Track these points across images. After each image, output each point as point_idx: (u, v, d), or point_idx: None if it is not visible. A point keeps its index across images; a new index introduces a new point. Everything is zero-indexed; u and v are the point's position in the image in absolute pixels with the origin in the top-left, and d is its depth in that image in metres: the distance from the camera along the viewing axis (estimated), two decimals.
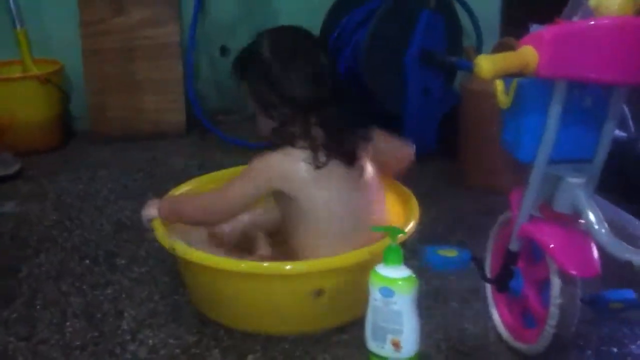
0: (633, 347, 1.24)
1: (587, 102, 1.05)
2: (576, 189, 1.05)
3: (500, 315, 1.26)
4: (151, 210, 1.39)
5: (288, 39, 1.34)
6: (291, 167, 1.28)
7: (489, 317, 1.28)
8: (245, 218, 1.50)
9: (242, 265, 1.25)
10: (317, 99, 1.28)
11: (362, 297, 1.16)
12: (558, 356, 1.15)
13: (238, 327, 1.30)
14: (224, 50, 2.67)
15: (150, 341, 1.28)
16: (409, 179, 1.48)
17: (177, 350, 1.25)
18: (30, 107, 2.37)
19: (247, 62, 1.34)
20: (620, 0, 0.94)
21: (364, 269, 1.16)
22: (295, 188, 1.28)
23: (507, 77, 1.01)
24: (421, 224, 1.34)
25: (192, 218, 1.40)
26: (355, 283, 1.17)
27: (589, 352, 1.22)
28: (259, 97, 1.32)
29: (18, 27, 2.41)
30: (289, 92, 1.28)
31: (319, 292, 1.22)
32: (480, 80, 0.99)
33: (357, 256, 1.23)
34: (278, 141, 1.30)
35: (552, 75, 0.97)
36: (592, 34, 0.94)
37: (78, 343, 1.28)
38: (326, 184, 1.28)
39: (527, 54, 0.95)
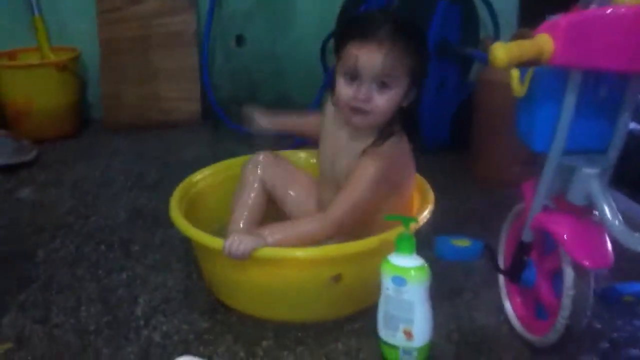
0: None
1: (603, 91, 1.04)
2: (590, 179, 1.04)
3: (513, 307, 1.26)
4: (250, 243, 1.20)
5: None
6: (407, 153, 1.34)
7: (502, 309, 1.28)
8: None
9: (258, 251, 1.22)
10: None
11: (375, 285, 1.15)
12: (570, 348, 1.15)
13: (252, 313, 1.30)
14: (239, 40, 2.67)
15: (164, 327, 1.29)
16: (421, 171, 1.48)
17: (191, 336, 1.26)
18: (47, 94, 2.39)
19: (415, 31, 1.27)
20: None
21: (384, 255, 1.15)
22: (403, 172, 1.35)
23: (522, 66, 1.00)
24: (433, 216, 1.33)
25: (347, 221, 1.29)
26: (373, 270, 1.16)
27: (601, 344, 1.21)
28: (415, 71, 1.25)
29: (36, 14, 2.44)
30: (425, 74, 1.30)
31: (337, 278, 1.22)
32: (497, 70, 0.98)
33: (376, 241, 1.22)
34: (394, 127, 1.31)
35: (568, 64, 0.96)
36: (608, 22, 0.92)
37: (93, 327, 1.29)
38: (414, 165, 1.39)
39: (542, 42, 0.94)
